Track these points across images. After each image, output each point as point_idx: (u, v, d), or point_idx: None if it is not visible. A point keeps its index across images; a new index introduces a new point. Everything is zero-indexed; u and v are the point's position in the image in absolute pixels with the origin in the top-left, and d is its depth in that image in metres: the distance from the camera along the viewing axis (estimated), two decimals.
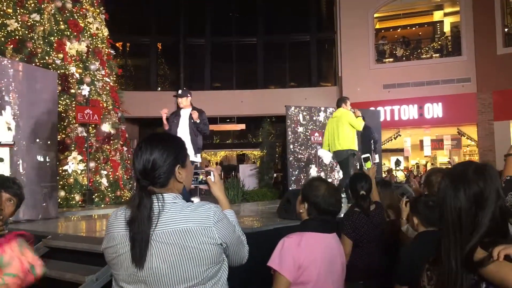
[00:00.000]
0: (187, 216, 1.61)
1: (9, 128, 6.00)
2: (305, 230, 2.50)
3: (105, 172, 9.01)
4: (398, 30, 20.87)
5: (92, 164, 8.64)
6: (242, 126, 21.51)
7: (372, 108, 15.58)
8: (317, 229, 2.50)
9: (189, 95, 7.18)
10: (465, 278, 1.46)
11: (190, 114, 7.00)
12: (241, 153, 22.84)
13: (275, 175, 14.00)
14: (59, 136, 7.71)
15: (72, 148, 8.42)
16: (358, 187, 3.70)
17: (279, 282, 2.36)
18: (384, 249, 3.70)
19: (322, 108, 11.86)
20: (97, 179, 8.81)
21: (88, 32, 9.44)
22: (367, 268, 3.54)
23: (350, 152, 7.70)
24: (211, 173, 2.05)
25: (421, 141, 18.51)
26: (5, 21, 8.16)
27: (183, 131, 6.99)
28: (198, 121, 6.88)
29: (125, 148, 9.94)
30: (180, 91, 7.22)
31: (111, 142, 9.38)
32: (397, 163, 18.19)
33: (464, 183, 1.55)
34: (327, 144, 8.01)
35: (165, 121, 7.10)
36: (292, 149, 11.25)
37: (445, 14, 19.93)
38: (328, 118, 11.18)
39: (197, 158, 7.08)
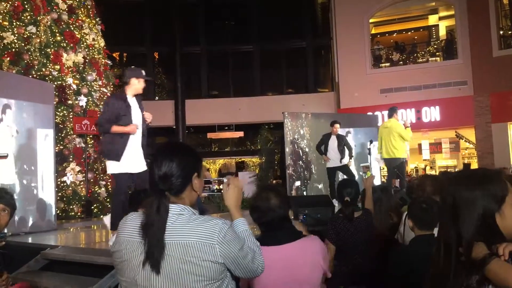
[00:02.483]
0: (191, 230, 1.60)
1: (5, 140, 5.98)
2: None
3: (103, 183, 8.99)
4: (394, 35, 20.92)
5: (90, 175, 8.63)
6: (240, 134, 21.49)
7: (369, 113, 15.59)
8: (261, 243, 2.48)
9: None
10: (467, 277, 1.43)
11: (143, 115, 4.88)
12: (240, 160, 22.83)
13: (274, 182, 13.99)
14: (57, 148, 7.70)
15: (70, 159, 8.40)
16: (344, 193, 3.73)
17: None
18: (371, 254, 3.68)
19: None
20: (96, 190, 8.79)
21: (85, 43, 9.46)
22: (350, 274, 3.52)
23: (402, 159, 9.06)
24: (224, 180, 2.03)
25: (420, 145, 18.48)
26: (1, 34, 8.18)
27: (138, 135, 4.78)
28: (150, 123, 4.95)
29: None
30: (143, 72, 4.93)
31: None
32: None
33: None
34: (380, 150, 9.36)
35: (127, 129, 4.67)
36: (291, 156, 11.22)
37: (440, 18, 20.00)
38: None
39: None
